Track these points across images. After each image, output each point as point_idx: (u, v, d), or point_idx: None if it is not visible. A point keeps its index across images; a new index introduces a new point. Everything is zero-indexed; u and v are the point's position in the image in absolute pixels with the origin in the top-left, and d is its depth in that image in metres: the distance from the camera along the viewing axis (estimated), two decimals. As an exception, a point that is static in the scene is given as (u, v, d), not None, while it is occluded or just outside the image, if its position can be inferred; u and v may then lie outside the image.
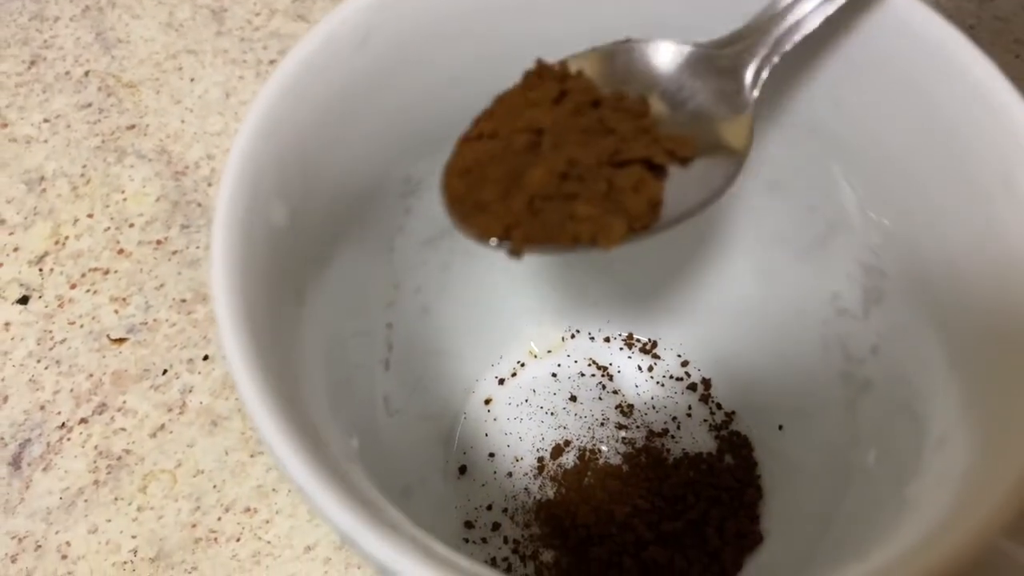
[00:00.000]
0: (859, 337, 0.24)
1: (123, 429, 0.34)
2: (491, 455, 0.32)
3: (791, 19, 0.20)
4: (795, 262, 0.26)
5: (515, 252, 0.18)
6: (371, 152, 0.21)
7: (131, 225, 0.39)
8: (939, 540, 0.15)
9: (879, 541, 0.17)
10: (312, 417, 0.18)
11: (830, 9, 0.20)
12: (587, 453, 0.31)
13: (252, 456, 0.33)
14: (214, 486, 0.33)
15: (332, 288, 0.20)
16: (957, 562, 0.14)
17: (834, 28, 0.21)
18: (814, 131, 0.23)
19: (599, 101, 0.19)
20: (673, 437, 0.32)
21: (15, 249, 0.38)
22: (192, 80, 0.43)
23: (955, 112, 0.20)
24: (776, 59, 0.20)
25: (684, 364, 0.33)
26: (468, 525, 0.30)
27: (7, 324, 0.36)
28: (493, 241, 0.18)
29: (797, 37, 0.20)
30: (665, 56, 0.21)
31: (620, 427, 0.32)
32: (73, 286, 0.38)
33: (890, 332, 0.23)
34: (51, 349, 0.36)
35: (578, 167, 0.18)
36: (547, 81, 0.20)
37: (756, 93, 0.20)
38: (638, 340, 0.34)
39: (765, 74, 0.20)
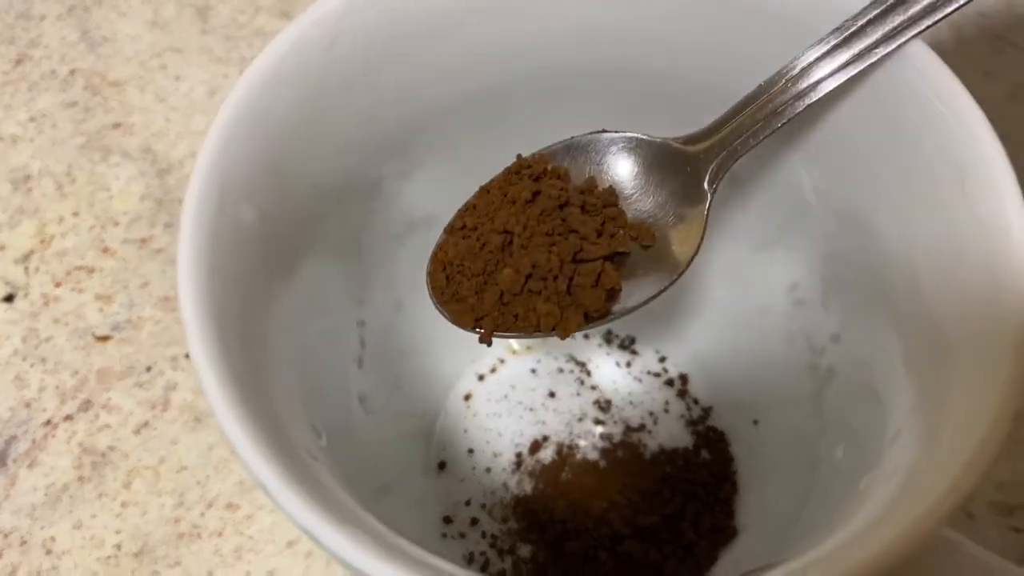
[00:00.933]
0: (820, 326, 0.25)
1: (108, 426, 0.35)
2: (470, 451, 0.32)
3: (755, 124, 0.21)
4: (755, 256, 0.27)
5: (485, 340, 0.22)
6: (340, 152, 0.21)
7: (116, 223, 0.39)
8: (874, 533, 0.15)
9: (832, 533, 0.18)
10: (279, 415, 0.18)
11: (800, 107, 0.21)
12: (565, 448, 0.32)
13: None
14: (197, 482, 0.33)
15: (301, 287, 0.21)
16: (889, 555, 0.14)
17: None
18: None
19: (567, 203, 0.22)
20: (650, 432, 0.32)
21: (0, 248, 0.39)
22: (177, 78, 0.44)
23: (915, 114, 0.20)
24: (733, 163, 0.22)
25: (662, 360, 0.34)
26: (447, 520, 0.31)
27: (-7, 322, 0.37)
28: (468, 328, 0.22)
29: (755, 142, 0.22)
30: (636, 149, 0.23)
31: (598, 423, 0.33)
32: (58, 284, 0.38)
33: (850, 319, 0.23)
34: (36, 347, 0.36)
35: (541, 268, 0.21)
36: (524, 179, 0.22)
37: (712, 191, 0.22)
38: (616, 336, 0.34)
39: (723, 174, 0.22)
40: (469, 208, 0.23)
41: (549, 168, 0.23)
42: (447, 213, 0.22)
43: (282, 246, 0.20)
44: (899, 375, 0.20)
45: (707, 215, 0.22)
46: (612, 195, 0.23)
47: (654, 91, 0.25)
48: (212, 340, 0.16)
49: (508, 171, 0.23)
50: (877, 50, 0.20)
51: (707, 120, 0.22)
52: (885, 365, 0.21)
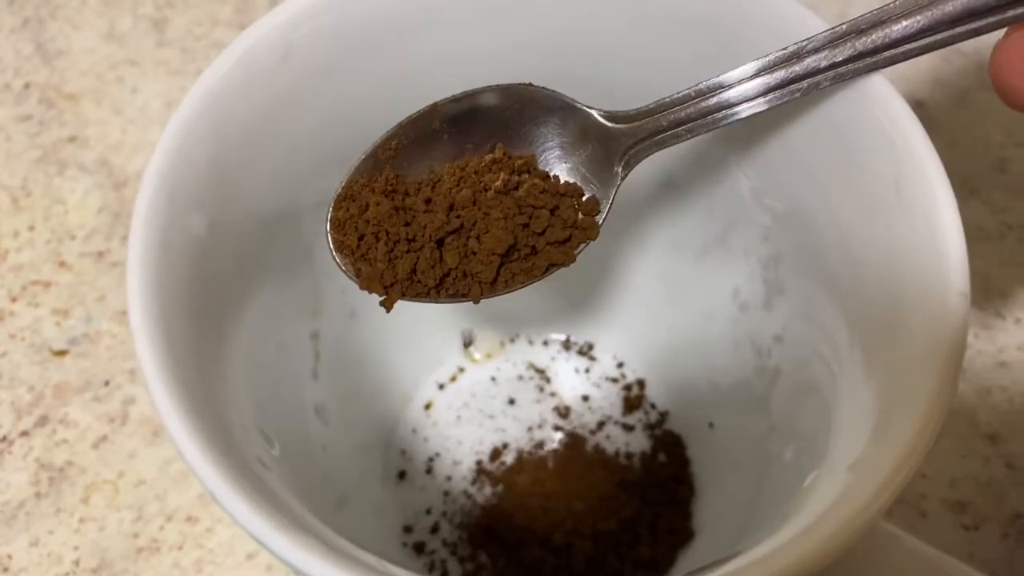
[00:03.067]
0: (764, 328, 0.25)
1: (65, 441, 0.34)
2: (430, 459, 0.32)
3: (682, 123, 0.21)
4: (698, 262, 0.27)
5: (387, 306, 0.21)
6: (291, 163, 0.22)
7: (72, 237, 0.39)
8: (810, 531, 0.16)
9: (776, 532, 0.18)
10: (230, 425, 0.18)
11: (729, 118, 0.21)
12: (525, 455, 0.32)
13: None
14: (156, 496, 0.33)
15: (253, 298, 0.21)
16: (825, 552, 0.15)
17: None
18: None
19: (542, 206, 0.21)
20: (609, 437, 0.32)
21: (-46, 263, 0.38)
22: (133, 91, 0.43)
23: (853, 120, 0.21)
24: (648, 154, 0.22)
25: (620, 366, 0.34)
26: (407, 529, 0.31)
27: (-54, 338, 0.36)
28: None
29: (679, 140, 0.21)
30: (560, 111, 0.22)
31: (557, 429, 0.33)
32: (14, 299, 0.38)
33: (791, 321, 0.24)
34: (-9, 363, 0.36)
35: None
36: (502, 171, 0.22)
37: (622, 175, 0.22)
38: (575, 343, 0.35)
39: (636, 162, 0.22)
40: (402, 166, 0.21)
41: (534, 168, 0.22)
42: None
43: (234, 257, 0.20)
44: (839, 374, 0.21)
45: (612, 199, 0.22)
46: (593, 204, 0.22)
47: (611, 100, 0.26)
48: (160, 350, 0.16)
49: (478, 154, 0.22)
50: (818, 80, 0.20)
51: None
52: (825, 365, 0.22)
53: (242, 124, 0.20)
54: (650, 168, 0.23)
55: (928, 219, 0.19)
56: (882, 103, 0.20)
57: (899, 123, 0.20)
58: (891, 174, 0.20)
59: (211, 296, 0.20)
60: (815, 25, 0.20)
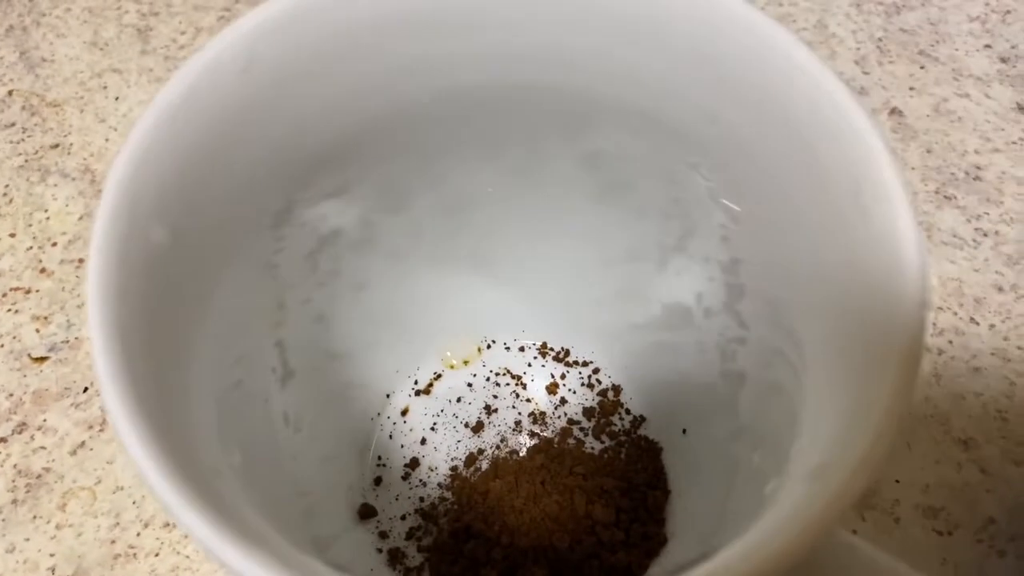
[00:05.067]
0: (727, 332, 0.26)
1: (43, 447, 0.34)
2: (406, 466, 0.32)
3: None
4: (659, 268, 0.27)
5: None
6: (254, 174, 0.22)
7: (54, 244, 0.39)
8: (763, 542, 0.16)
9: (737, 540, 0.18)
10: (191, 438, 0.18)
11: None
12: (500, 461, 0.32)
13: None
14: (133, 502, 0.33)
15: (214, 311, 0.21)
16: (776, 563, 0.15)
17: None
18: (658, 123, 0.24)
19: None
20: (584, 444, 0.33)
21: (-65, 270, 0.38)
22: (117, 99, 0.44)
23: (813, 125, 0.21)
24: None
25: (595, 372, 0.34)
26: (382, 536, 0.31)
27: (-74, 345, 0.36)
28: None
29: None
30: None
31: (533, 435, 0.33)
32: (-6, 306, 0.38)
33: (754, 322, 0.24)
34: (-30, 369, 0.36)
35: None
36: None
37: None
38: (551, 349, 0.35)
39: None
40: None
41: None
42: (362, 228, 0.22)
43: (195, 267, 0.20)
44: (802, 376, 0.21)
45: None
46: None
47: (583, 109, 0.26)
48: (117, 357, 0.17)
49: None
50: None
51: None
52: (789, 367, 0.22)
53: (203, 135, 0.21)
54: (608, 174, 0.24)
55: (887, 227, 0.19)
56: (844, 113, 0.20)
57: (861, 133, 0.20)
58: (851, 182, 0.20)
59: (172, 306, 0.20)
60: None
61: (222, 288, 0.21)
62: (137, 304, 0.18)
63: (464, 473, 0.32)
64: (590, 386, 0.34)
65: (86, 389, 0.36)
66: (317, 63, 0.22)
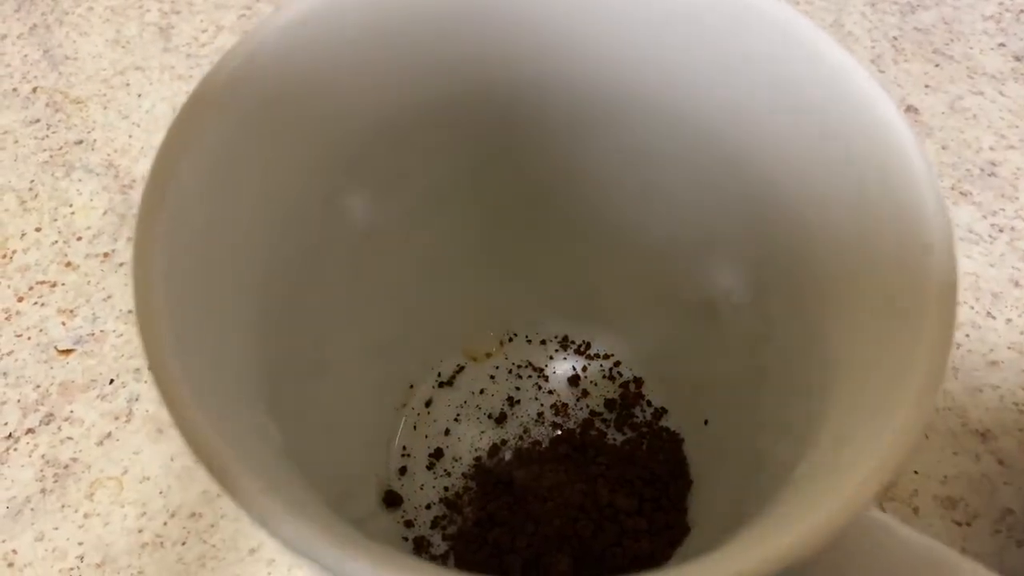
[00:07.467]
0: (753, 330, 0.26)
1: (70, 438, 0.35)
2: (430, 455, 0.33)
3: None
4: (687, 262, 0.28)
5: None
6: (293, 167, 0.22)
7: (79, 238, 0.40)
8: (793, 523, 0.16)
9: (763, 522, 0.19)
10: (239, 420, 0.19)
11: None
12: (522, 452, 0.33)
13: (197, 462, 0.34)
14: (160, 492, 0.34)
15: (257, 299, 0.21)
16: (807, 544, 0.15)
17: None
18: (688, 122, 0.24)
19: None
20: (605, 435, 0.33)
21: (-38, 264, 0.39)
22: (139, 96, 0.44)
23: (837, 116, 0.21)
24: None
25: (617, 364, 0.34)
26: (408, 524, 0.31)
27: (-46, 337, 0.37)
28: None
29: None
30: None
31: (555, 426, 0.33)
32: (20, 299, 0.38)
33: (781, 319, 0.24)
34: (-2, 361, 0.36)
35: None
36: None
37: None
38: (572, 342, 0.35)
39: None
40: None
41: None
42: (399, 222, 0.23)
43: (236, 254, 0.21)
44: (825, 373, 0.21)
45: None
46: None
47: (617, 108, 0.26)
48: (170, 343, 0.17)
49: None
50: None
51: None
52: (812, 363, 0.22)
53: (239, 128, 0.21)
54: (639, 173, 0.24)
55: (912, 213, 0.19)
56: (870, 102, 0.21)
57: (887, 121, 0.20)
58: (878, 168, 0.20)
59: (215, 293, 0.20)
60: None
61: (266, 273, 0.21)
62: (182, 291, 0.19)
63: (488, 463, 0.32)
64: (611, 378, 0.34)
65: (112, 381, 0.36)
66: (349, 57, 0.23)
